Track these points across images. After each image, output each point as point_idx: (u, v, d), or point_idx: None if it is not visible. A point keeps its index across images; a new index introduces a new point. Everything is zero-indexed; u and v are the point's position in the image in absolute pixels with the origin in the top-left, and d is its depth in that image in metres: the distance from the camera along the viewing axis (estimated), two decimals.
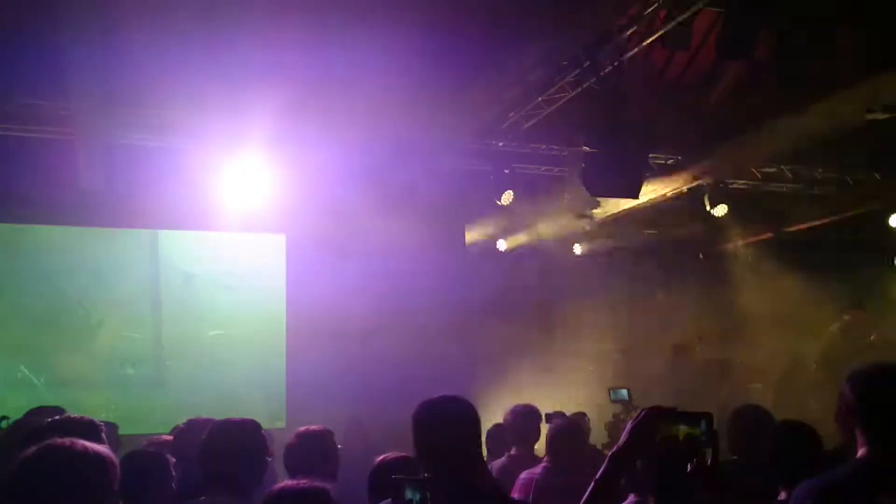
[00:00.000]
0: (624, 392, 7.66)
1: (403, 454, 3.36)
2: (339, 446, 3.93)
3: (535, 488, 4.45)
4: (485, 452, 5.55)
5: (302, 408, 7.54)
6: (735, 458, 4.05)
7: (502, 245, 10.37)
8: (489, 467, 5.07)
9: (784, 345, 10.79)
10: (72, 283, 8.25)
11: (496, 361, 9.47)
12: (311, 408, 7.03)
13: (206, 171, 7.47)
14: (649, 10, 6.21)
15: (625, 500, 3.00)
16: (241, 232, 8.52)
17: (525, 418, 5.20)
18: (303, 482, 2.26)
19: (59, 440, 2.27)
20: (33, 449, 2.24)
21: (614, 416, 7.92)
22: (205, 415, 4.35)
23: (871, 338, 9.60)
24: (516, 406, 5.30)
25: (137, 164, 7.31)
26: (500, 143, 8.51)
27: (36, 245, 8.24)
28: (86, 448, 2.26)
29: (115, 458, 2.31)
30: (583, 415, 7.08)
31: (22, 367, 7.96)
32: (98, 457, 2.26)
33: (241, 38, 5.85)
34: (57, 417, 3.15)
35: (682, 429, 2.08)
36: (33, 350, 8.06)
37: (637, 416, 2.13)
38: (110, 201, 7.61)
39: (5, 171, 7.20)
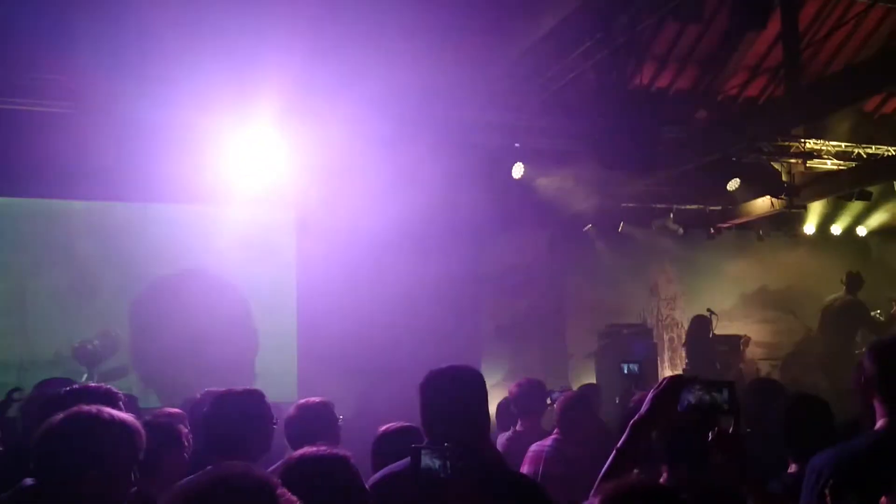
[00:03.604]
0: (635, 367, 7.65)
1: (407, 424, 3.39)
2: (340, 417, 3.94)
3: (544, 461, 4.46)
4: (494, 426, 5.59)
5: (313, 382, 7.57)
6: (748, 430, 4.05)
7: None
8: (496, 441, 5.10)
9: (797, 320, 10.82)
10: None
11: (508, 337, 9.49)
12: (323, 382, 7.06)
13: (217, 145, 7.45)
14: None
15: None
16: (251, 206, 8.47)
17: (530, 392, 5.19)
18: (322, 448, 2.26)
19: (85, 408, 2.28)
20: (59, 416, 2.25)
21: (625, 390, 7.93)
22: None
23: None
24: (521, 380, 5.31)
25: (146, 137, 7.29)
26: (512, 116, 8.44)
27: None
28: (112, 416, 2.27)
29: (140, 427, 2.33)
30: (595, 387, 7.07)
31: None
32: (124, 425, 2.27)
33: (251, 7, 5.81)
34: (76, 386, 3.15)
35: (705, 397, 2.08)
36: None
37: (659, 384, 2.13)
38: (120, 175, 7.61)
39: (15, 146, 7.20)
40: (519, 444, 4.82)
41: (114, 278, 8.44)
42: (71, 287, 8.22)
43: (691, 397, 2.08)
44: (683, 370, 9.82)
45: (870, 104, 10.21)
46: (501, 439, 5.18)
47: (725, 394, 2.06)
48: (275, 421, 3.35)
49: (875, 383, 2.45)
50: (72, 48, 6.13)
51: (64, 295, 8.19)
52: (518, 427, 5.15)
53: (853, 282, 9.82)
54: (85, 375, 7.76)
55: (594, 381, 8.73)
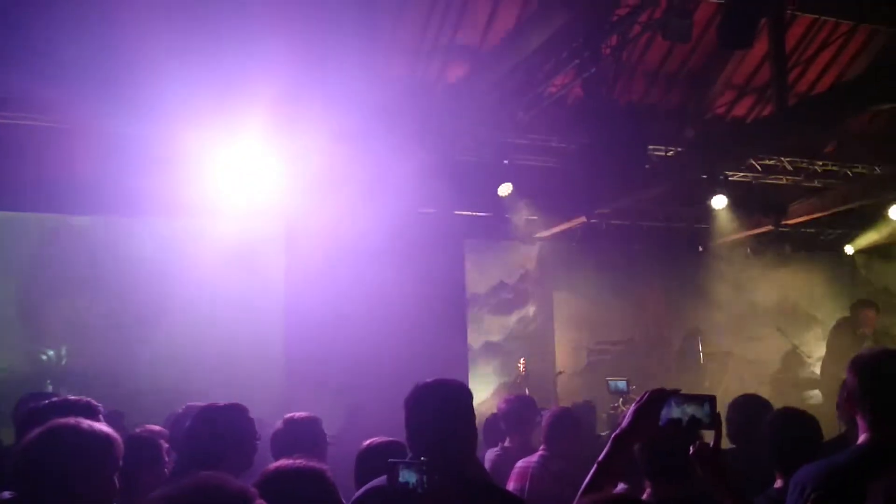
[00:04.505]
0: (622, 383, 7.66)
1: (391, 438, 3.37)
2: (327, 433, 3.91)
3: (531, 477, 4.43)
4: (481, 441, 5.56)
5: (300, 397, 7.52)
6: (734, 446, 4.05)
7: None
8: (484, 457, 5.07)
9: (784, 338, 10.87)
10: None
11: (497, 352, 9.47)
12: (310, 397, 7.01)
13: (203, 159, 7.42)
14: None
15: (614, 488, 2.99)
16: (238, 220, 8.43)
17: (519, 408, 5.16)
18: (299, 461, 2.24)
19: (62, 420, 2.27)
20: (37, 430, 2.24)
21: (613, 407, 7.92)
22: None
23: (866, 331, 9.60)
24: (510, 395, 5.26)
25: (132, 151, 7.25)
26: (499, 134, 8.48)
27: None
28: (91, 427, 2.27)
29: (119, 438, 2.32)
30: (591, 404, 7.06)
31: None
32: (103, 435, 2.27)
33: (237, 22, 5.82)
34: (55, 399, 3.13)
35: (686, 411, 2.07)
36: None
37: (641, 398, 2.12)
38: (107, 190, 7.57)
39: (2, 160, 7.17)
40: (507, 461, 4.79)
41: (100, 294, 8.38)
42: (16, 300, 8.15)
43: (673, 411, 2.07)
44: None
45: (856, 123, 10.30)
46: (490, 455, 5.14)
47: (707, 407, 2.05)
48: (258, 436, 3.32)
49: (856, 398, 2.45)
50: (57, 62, 6.12)
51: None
52: (507, 443, 5.12)
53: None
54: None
55: (581, 398, 8.70)
